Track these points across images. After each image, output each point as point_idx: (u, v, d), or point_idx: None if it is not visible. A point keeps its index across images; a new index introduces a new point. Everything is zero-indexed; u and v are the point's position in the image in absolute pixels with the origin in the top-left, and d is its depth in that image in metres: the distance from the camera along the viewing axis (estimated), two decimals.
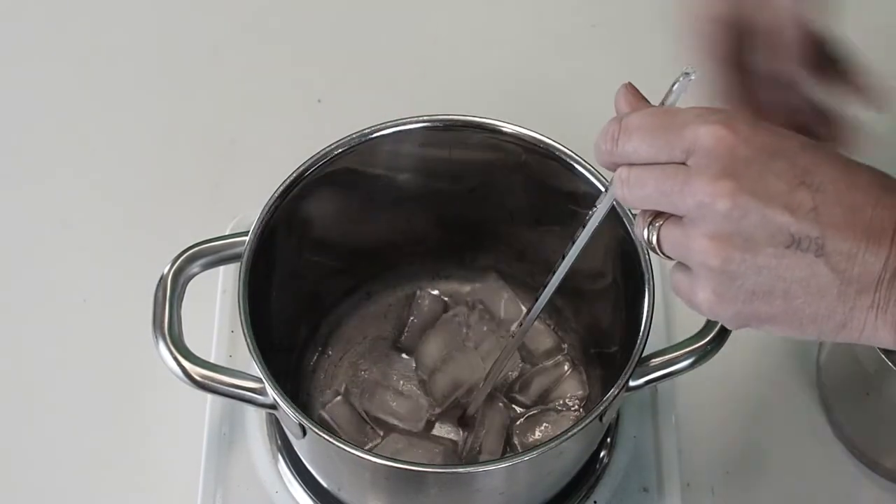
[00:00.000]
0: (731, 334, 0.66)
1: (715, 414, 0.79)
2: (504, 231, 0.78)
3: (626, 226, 0.67)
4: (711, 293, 0.52)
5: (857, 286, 0.50)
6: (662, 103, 0.55)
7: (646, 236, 0.54)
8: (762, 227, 0.50)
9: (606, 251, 0.71)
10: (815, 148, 0.52)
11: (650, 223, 0.54)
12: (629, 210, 0.67)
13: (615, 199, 0.56)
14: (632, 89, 0.56)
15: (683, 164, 0.51)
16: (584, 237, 0.60)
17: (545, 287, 0.65)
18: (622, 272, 0.70)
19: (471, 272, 0.81)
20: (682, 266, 0.54)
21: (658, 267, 0.79)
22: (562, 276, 0.63)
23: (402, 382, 0.76)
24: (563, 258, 0.62)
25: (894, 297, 0.50)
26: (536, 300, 0.66)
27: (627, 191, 0.54)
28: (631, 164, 0.53)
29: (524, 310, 0.77)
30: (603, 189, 0.67)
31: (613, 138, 0.54)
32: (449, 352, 0.75)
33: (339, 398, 0.75)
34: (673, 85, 0.54)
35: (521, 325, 0.69)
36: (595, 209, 0.59)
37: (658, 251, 0.54)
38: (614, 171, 0.55)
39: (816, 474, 0.77)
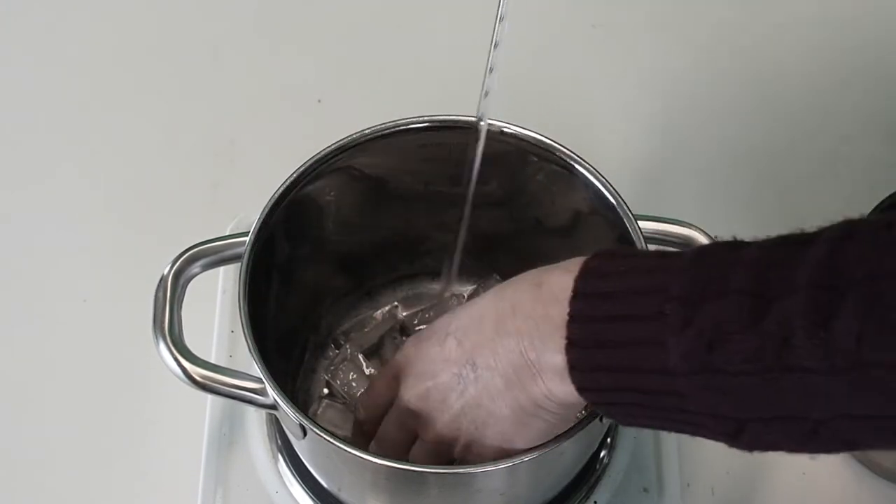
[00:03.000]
0: None
1: None
2: (504, 231, 0.78)
3: (626, 226, 0.67)
4: (472, 454, 0.61)
5: (512, 369, 0.57)
6: None
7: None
8: (443, 392, 0.60)
9: None
10: (459, 308, 0.63)
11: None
12: (628, 211, 0.67)
13: None
14: None
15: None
16: None
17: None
18: None
19: (471, 273, 0.81)
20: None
21: None
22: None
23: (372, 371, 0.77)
24: None
25: (540, 366, 0.56)
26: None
27: (386, 444, 0.66)
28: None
29: None
30: (609, 196, 0.68)
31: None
32: None
33: (325, 402, 0.75)
34: None
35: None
36: None
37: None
38: None
39: (816, 474, 0.77)
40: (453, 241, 0.74)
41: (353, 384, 0.75)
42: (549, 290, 0.55)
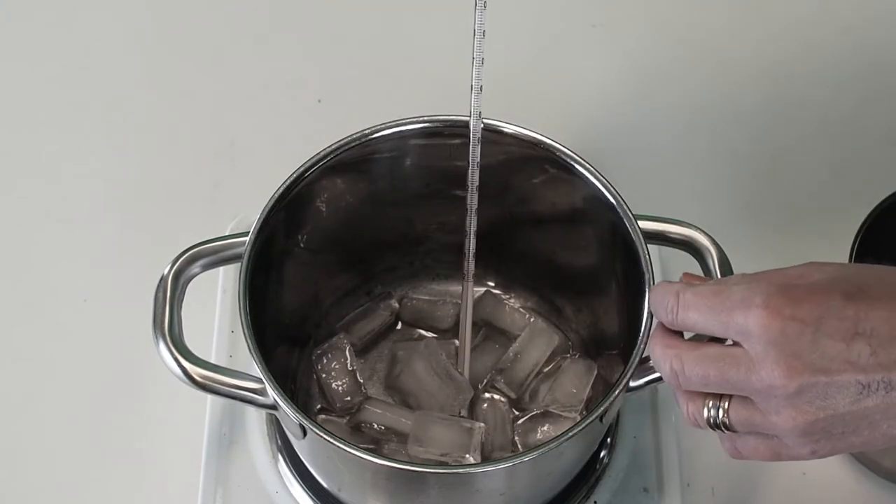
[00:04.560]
0: None
1: None
2: (504, 231, 0.78)
3: (626, 226, 0.67)
4: (809, 452, 0.56)
5: None
6: None
7: (707, 415, 0.58)
8: (833, 390, 0.54)
9: (607, 251, 0.71)
10: (858, 292, 0.54)
11: (712, 405, 0.58)
12: (628, 211, 0.67)
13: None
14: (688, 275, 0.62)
15: (738, 345, 0.56)
16: None
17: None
18: (622, 272, 0.70)
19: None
20: (754, 434, 0.58)
21: (658, 266, 0.79)
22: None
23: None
24: None
25: None
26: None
27: (684, 380, 0.58)
28: (681, 355, 0.58)
29: (527, 316, 0.77)
30: (609, 196, 0.68)
31: (673, 311, 0.59)
32: (431, 379, 0.75)
33: (321, 417, 0.75)
34: None
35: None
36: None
37: (725, 428, 0.58)
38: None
39: (816, 474, 0.77)
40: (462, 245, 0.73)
41: (334, 374, 0.75)
42: None
